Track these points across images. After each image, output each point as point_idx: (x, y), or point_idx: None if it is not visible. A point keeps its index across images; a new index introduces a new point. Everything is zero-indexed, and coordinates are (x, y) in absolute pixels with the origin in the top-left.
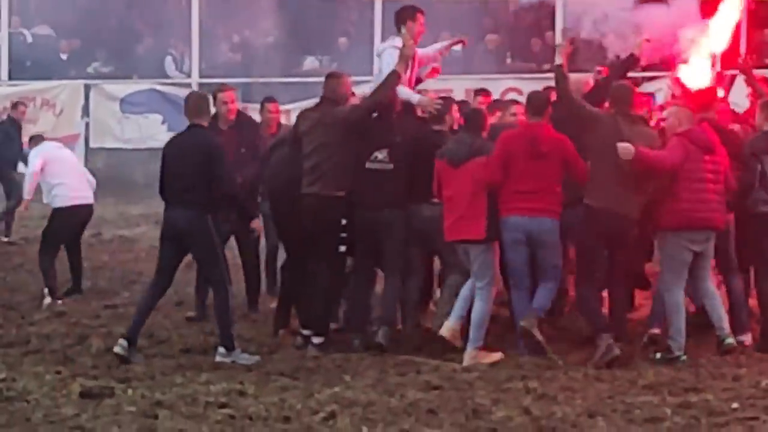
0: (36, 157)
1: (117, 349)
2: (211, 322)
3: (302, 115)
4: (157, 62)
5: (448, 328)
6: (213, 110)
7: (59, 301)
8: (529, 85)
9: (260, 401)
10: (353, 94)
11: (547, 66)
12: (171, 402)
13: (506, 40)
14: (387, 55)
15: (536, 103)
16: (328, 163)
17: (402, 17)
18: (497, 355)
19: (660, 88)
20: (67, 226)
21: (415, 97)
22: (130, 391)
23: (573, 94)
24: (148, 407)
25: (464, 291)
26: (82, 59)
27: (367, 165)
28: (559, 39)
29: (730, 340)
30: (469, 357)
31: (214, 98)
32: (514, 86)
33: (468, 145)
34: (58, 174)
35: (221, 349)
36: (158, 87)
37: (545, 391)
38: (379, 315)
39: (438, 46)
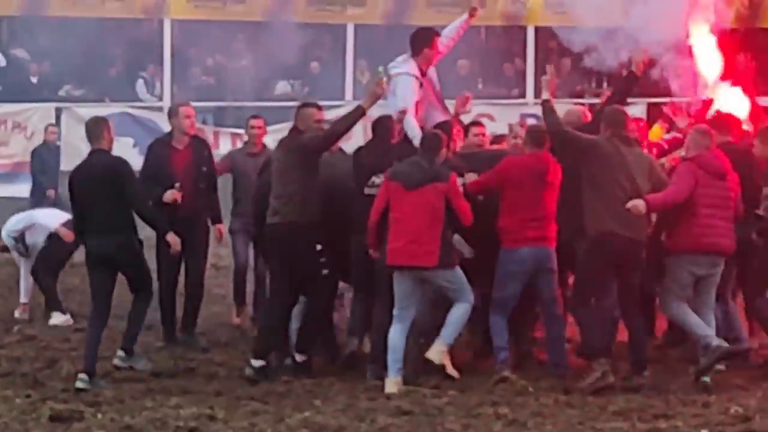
0: None
1: (79, 384)
2: (180, 346)
3: (278, 143)
4: (129, 85)
5: (435, 351)
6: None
7: (67, 315)
8: (500, 110)
9: (230, 426)
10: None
11: (516, 91)
12: (140, 426)
13: (477, 66)
14: (402, 84)
15: (536, 135)
16: (289, 190)
17: (418, 44)
18: (455, 373)
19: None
20: (67, 247)
21: (417, 136)
22: (99, 415)
23: (563, 126)
24: (117, 431)
25: (450, 317)
26: (54, 82)
27: (365, 190)
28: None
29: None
30: (435, 351)
31: (171, 115)
32: (485, 112)
33: (424, 170)
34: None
35: (120, 353)
36: (130, 110)
37: (516, 416)
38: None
39: (456, 24)
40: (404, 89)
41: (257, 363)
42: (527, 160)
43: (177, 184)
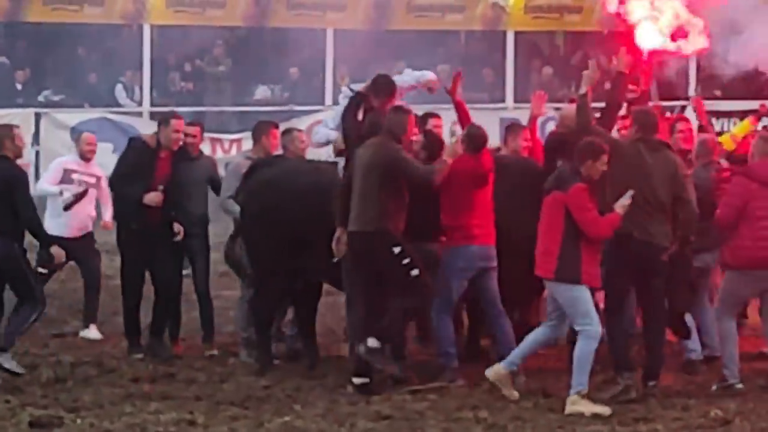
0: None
1: None
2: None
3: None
4: (109, 91)
5: (494, 371)
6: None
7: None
8: (480, 115)
9: (210, 431)
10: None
11: (498, 95)
12: (120, 431)
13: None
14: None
15: (475, 137)
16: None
17: (382, 92)
18: (605, 410)
19: None
20: None
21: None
22: (79, 421)
23: (591, 124)
24: None
25: (531, 335)
26: (33, 87)
27: None
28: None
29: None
30: (570, 403)
31: (161, 123)
32: None
33: (553, 177)
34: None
35: None
36: (109, 115)
37: (495, 420)
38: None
39: (413, 78)
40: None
41: (359, 380)
42: (468, 162)
43: (161, 187)
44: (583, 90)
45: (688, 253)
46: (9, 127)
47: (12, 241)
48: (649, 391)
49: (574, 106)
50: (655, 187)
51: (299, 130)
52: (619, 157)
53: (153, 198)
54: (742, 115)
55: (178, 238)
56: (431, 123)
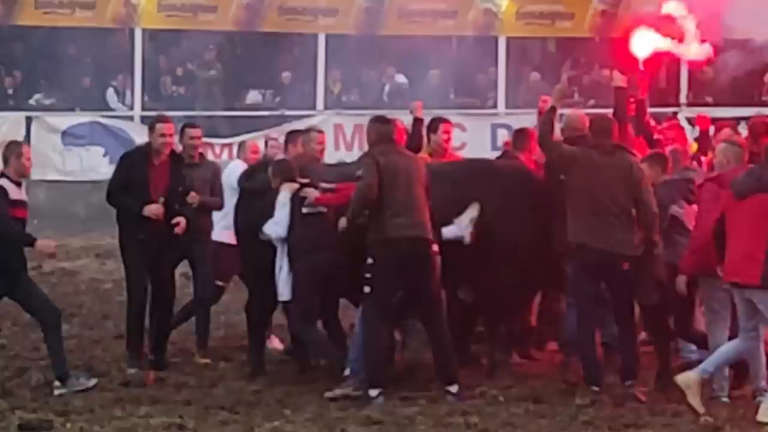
0: None
1: None
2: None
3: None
4: (100, 94)
5: (686, 377)
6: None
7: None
8: (472, 120)
9: None
10: None
11: (490, 101)
12: None
13: (449, 76)
14: None
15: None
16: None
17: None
18: (698, 406)
19: None
20: None
21: None
22: (69, 425)
23: (548, 137)
24: None
25: (727, 346)
26: (25, 91)
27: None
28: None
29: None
30: (684, 377)
31: (150, 128)
32: (458, 122)
33: (756, 178)
34: None
35: None
36: (100, 119)
37: (486, 426)
38: None
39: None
40: None
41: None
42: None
43: (162, 199)
44: (553, 103)
45: (655, 254)
46: (18, 145)
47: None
48: (628, 391)
49: (578, 111)
50: (615, 194)
51: (319, 131)
52: (574, 167)
53: (153, 210)
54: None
55: (178, 230)
56: (441, 128)
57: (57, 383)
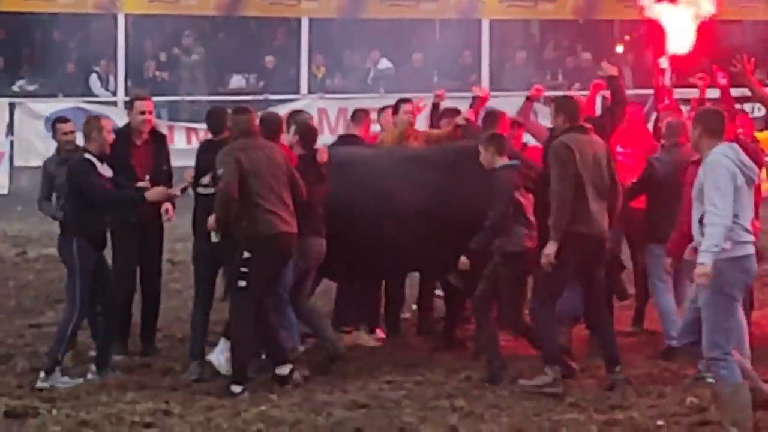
0: None
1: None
2: (136, 342)
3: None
4: (83, 80)
5: None
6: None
7: None
8: (455, 103)
9: (186, 420)
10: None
11: (473, 84)
12: (96, 422)
13: (432, 59)
14: None
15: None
16: None
17: None
18: None
19: None
20: None
21: None
22: (54, 411)
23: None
24: (73, 427)
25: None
26: (8, 77)
27: (198, 189)
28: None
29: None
30: None
31: (129, 108)
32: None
33: None
34: None
35: None
36: (84, 105)
37: (472, 409)
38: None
39: None
40: None
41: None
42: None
43: (147, 178)
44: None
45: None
46: (97, 119)
47: (72, 236)
48: (617, 377)
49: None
50: (603, 175)
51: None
52: (569, 158)
53: (161, 193)
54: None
55: (166, 218)
56: (403, 109)
57: (42, 375)
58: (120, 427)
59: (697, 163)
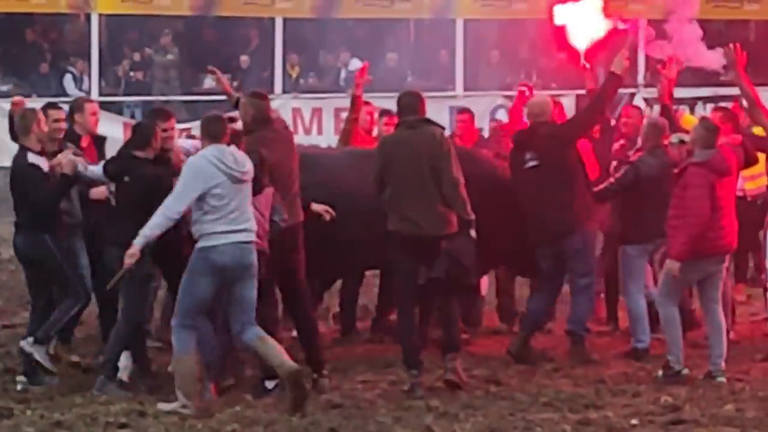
0: None
1: None
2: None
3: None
4: (57, 80)
5: None
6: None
7: None
8: (430, 103)
9: (161, 421)
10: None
11: (449, 84)
12: (70, 422)
13: (406, 59)
14: None
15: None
16: None
17: None
18: None
19: None
20: None
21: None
22: (28, 412)
23: None
24: (47, 427)
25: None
26: None
27: None
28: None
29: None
30: None
31: (76, 110)
32: None
33: None
34: None
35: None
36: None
37: (447, 409)
38: None
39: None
40: None
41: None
42: None
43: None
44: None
45: None
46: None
47: (42, 233)
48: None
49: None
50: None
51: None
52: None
53: (101, 193)
54: (692, 102)
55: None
56: (365, 110)
57: (20, 378)
58: (94, 428)
59: (699, 164)
